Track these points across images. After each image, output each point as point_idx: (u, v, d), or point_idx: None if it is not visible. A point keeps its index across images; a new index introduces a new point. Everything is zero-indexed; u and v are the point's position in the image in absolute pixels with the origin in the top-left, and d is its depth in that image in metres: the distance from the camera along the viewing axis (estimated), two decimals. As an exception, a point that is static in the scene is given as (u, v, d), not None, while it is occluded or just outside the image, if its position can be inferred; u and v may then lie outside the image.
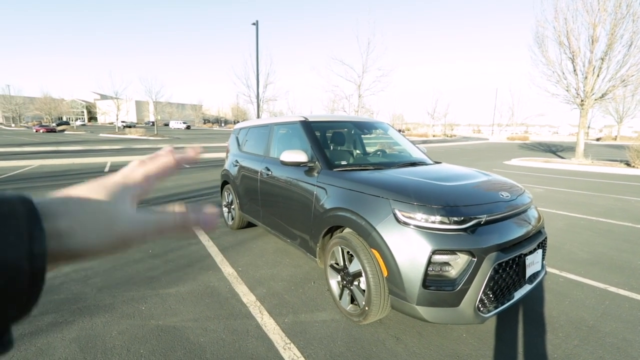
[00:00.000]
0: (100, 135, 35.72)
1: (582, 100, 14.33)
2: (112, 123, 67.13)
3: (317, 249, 2.81)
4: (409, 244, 2.03)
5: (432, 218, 2.04)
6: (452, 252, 1.97)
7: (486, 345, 2.22)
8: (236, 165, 4.41)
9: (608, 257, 3.74)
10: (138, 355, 2.08)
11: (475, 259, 1.95)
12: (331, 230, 2.72)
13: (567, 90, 14.74)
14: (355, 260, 2.35)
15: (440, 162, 3.50)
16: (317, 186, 2.83)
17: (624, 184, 9.21)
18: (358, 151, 3.89)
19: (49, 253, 0.25)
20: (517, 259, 2.14)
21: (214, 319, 2.49)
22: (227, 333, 2.31)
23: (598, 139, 50.24)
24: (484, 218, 2.09)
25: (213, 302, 2.73)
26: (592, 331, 2.37)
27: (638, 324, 2.46)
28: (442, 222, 2.03)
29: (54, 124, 48.78)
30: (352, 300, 2.47)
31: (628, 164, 12.55)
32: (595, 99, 14.25)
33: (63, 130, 43.71)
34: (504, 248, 2.08)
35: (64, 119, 71.51)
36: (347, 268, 2.48)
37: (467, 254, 1.97)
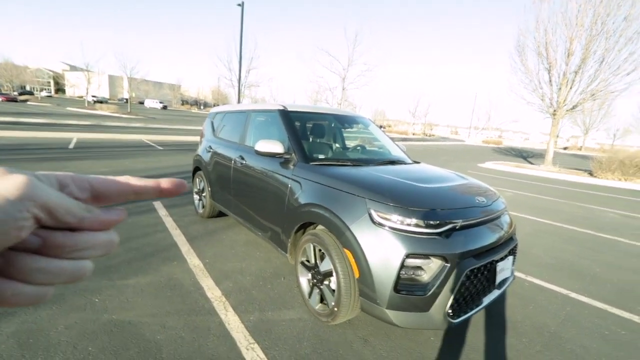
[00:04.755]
0: (68, 108, 33.56)
1: (554, 110, 14.95)
2: (81, 97, 63.10)
3: (289, 244, 2.70)
4: (383, 246, 1.96)
5: (408, 220, 1.97)
6: (426, 256, 1.92)
7: (454, 348, 2.22)
8: (209, 151, 4.20)
9: (571, 263, 3.89)
10: (85, 353, 1.90)
11: (449, 265, 1.91)
12: (304, 226, 2.61)
13: (542, 100, 15.33)
14: (326, 258, 2.27)
15: (419, 162, 3.47)
16: (292, 179, 2.70)
17: (587, 192, 9.70)
18: (337, 145, 3.78)
19: None
20: (488, 265, 2.12)
21: (174, 314, 2.33)
22: (187, 330, 2.17)
23: (565, 148, 53.14)
24: (459, 223, 2.05)
25: (174, 295, 2.57)
26: (554, 337, 2.43)
27: (595, 330, 2.55)
28: (417, 225, 1.97)
29: (15, 93, 45.23)
30: (322, 299, 2.39)
31: (591, 174, 13.26)
32: (567, 110, 14.92)
33: (25, 101, 40.73)
34: (477, 254, 2.05)
35: (28, 88, 66.65)
36: (318, 266, 2.39)
37: (440, 259, 1.92)
